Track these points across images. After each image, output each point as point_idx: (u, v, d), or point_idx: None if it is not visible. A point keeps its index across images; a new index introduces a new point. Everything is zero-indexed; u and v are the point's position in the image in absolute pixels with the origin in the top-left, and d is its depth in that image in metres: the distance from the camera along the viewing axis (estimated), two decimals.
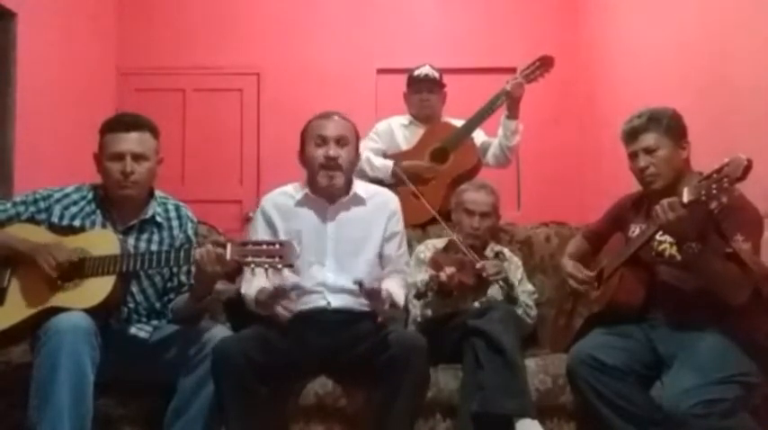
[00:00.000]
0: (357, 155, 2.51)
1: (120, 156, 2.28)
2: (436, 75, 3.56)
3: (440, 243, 2.85)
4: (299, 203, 2.47)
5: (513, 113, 3.37)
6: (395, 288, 2.40)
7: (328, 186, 2.41)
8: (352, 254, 2.43)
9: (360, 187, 2.52)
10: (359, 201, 2.49)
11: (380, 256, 2.48)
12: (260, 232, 2.44)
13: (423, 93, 3.54)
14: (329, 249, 2.42)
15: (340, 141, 2.40)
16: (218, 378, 2.14)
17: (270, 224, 2.46)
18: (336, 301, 2.38)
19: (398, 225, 2.53)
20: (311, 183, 2.46)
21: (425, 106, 3.55)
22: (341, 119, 2.46)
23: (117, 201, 2.34)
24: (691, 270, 2.17)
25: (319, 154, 2.39)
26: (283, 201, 2.49)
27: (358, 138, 2.51)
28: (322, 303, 2.37)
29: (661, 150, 2.30)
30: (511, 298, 2.69)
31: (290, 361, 2.26)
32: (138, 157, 2.29)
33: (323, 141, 2.40)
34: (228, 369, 2.13)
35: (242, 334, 2.27)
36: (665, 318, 2.29)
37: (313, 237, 2.42)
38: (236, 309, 2.60)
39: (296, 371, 2.32)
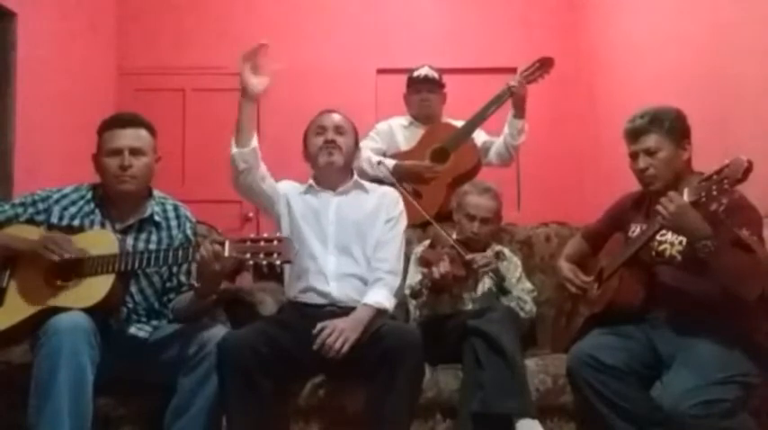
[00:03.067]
0: (356, 147, 2.64)
1: (117, 152, 2.30)
2: (435, 75, 3.56)
3: None
4: (304, 192, 2.59)
5: (519, 113, 3.37)
6: (376, 297, 2.38)
7: (327, 165, 2.53)
8: (354, 239, 2.48)
9: (361, 181, 2.65)
10: (362, 187, 2.61)
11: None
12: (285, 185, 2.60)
13: (422, 93, 3.55)
14: (330, 234, 2.49)
15: (338, 129, 2.56)
16: (222, 372, 2.14)
17: (283, 197, 2.57)
18: (337, 288, 2.42)
19: (395, 210, 2.58)
20: (315, 174, 2.60)
21: (425, 107, 3.55)
22: (341, 115, 2.62)
23: (115, 198, 2.35)
24: (707, 267, 2.12)
25: (319, 140, 2.55)
26: (293, 189, 2.62)
27: (356, 135, 2.64)
28: (325, 289, 2.42)
29: (662, 152, 2.29)
30: (503, 289, 2.69)
31: (293, 357, 2.27)
32: (135, 152, 2.31)
33: (322, 130, 2.55)
34: (234, 361, 2.14)
35: (246, 329, 2.28)
36: (666, 319, 2.29)
37: (315, 224, 2.51)
38: (234, 309, 2.61)
39: (298, 367, 2.33)
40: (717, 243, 2.05)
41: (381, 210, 2.57)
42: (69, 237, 2.21)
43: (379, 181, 3.25)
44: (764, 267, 2.08)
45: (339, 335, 2.22)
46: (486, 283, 2.73)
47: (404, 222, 2.62)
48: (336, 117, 2.60)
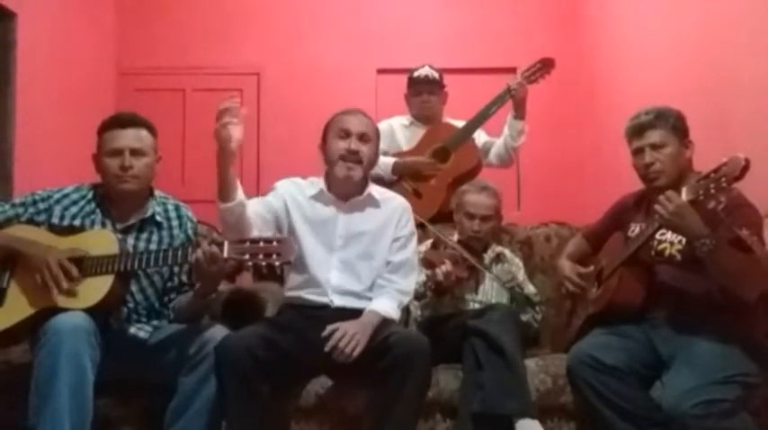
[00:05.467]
0: (377, 155, 2.51)
1: (118, 152, 2.29)
2: (436, 75, 3.56)
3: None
4: (314, 198, 2.46)
5: (519, 114, 3.38)
6: (385, 306, 2.34)
7: (345, 178, 2.40)
8: (361, 256, 2.41)
9: (375, 189, 2.51)
10: (374, 202, 2.47)
11: (387, 263, 2.44)
12: (271, 201, 2.42)
13: (423, 95, 3.54)
14: (337, 247, 2.41)
15: (363, 137, 2.41)
16: (220, 375, 2.14)
17: (281, 202, 2.43)
18: (339, 301, 2.38)
19: (405, 229, 2.49)
20: (328, 178, 2.47)
21: (426, 108, 3.55)
22: (365, 117, 2.48)
23: (116, 198, 2.34)
24: (706, 267, 2.12)
25: (341, 146, 2.40)
26: (297, 191, 2.48)
27: (378, 139, 2.51)
28: (324, 300, 2.38)
29: (667, 147, 2.30)
30: (529, 301, 2.69)
31: (293, 359, 2.25)
32: (136, 152, 2.31)
33: (346, 134, 2.41)
34: (232, 366, 2.12)
35: (244, 331, 2.26)
36: (665, 319, 2.29)
37: (322, 234, 2.42)
38: (235, 309, 2.61)
39: (298, 369, 2.31)
40: (715, 242, 2.05)
41: (389, 226, 2.45)
42: (75, 273, 2.14)
43: (380, 179, 3.26)
44: (764, 267, 2.08)
45: (351, 339, 2.18)
46: (487, 285, 2.73)
47: (414, 241, 2.53)
48: (363, 121, 2.43)
